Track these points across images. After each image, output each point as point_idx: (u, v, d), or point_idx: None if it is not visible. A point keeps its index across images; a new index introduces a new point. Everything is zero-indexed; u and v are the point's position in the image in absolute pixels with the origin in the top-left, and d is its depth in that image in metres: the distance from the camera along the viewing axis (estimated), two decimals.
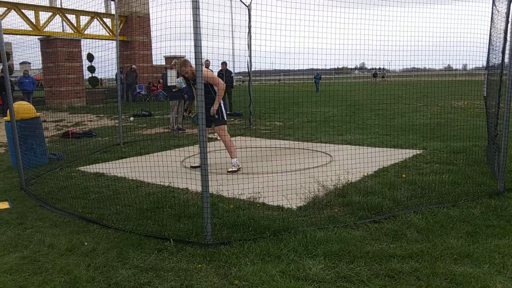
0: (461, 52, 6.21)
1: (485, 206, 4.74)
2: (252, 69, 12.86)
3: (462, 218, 4.42)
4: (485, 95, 7.24)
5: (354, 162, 6.24)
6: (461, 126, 10.58)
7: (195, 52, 3.97)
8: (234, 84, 19.07)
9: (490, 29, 6.55)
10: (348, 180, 5.88)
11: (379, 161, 6.48)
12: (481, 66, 7.82)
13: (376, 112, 14.95)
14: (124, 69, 11.37)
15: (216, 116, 6.79)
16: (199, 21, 3.88)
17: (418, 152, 7.78)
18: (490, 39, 6.59)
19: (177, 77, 12.30)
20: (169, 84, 12.20)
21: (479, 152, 7.35)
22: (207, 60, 11.90)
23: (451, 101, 17.97)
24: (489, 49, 6.72)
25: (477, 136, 8.43)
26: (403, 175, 6.07)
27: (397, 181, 5.78)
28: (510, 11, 5.29)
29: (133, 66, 22.79)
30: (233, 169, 6.76)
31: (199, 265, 3.64)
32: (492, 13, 6.40)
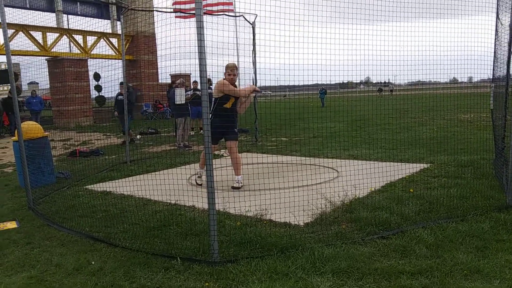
0: (467, 65, 6.22)
1: (494, 220, 4.69)
2: (257, 86, 12.92)
3: (471, 233, 4.37)
4: (491, 107, 7.22)
5: (361, 177, 6.21)
6: (468, 139, 10.52)
7: (200, 71, 4.01)
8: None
9: (495, 41, 6.57)
10: (355, 196, 5.84)
11: (386, 176, 6.45)
12: (486, 78, 7.81)
13: (382, 126, 14.93)
14: (121, 88, 11.69)
15: (235, 130, 6.89)
16: (204, 40, 3.93)
17: (425, 166, 7.74)
18: (495, 52, 6.60)
19: (186, 91, 12.50)
20: (177, 103, 12.29)
21: (487, 165, 7.30)
22: (209, 78, 12.02)
23: (458, 114, 17.91)
24: (494, 61, 6.73)
25: (485, 149, 8.38)
26: (411, 190, 6.04)
27: (405, 195, 5.74)
28: None
29: (129, 85, 22.94)
30: (237, 185, 6.77)
31: (206, 284, 3.62)
32: (496, 26, 6.42)
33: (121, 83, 12.31)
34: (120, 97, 12.57)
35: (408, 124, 15.45)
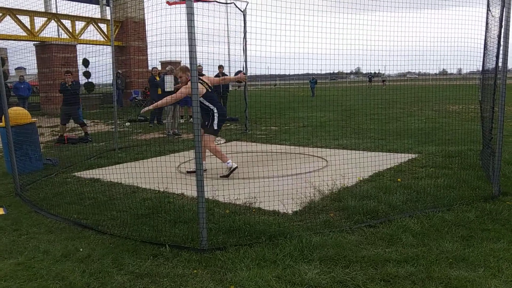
0: (456, 56, 6.25)
1: (480, 210, 4.76)
2: (248, 74, 12.87)
3: (457, 222, 4.43)
4: (480, 99, 7.28)
5: (349, 167, 6.25)
6: (456, 130, 10.62)
7: (190, 58, 3.98)
8: (230, 88, 19.09)
9: (485, 33, 6.60)
10: (344, 185, 5.88)
11: (375, 166, 6.50)
12: (475, 70, 7.87)
13: (371, 116, 14.99)
14: (68, 77, 11.10)
15: (206, 123, 6.74)
16: (194, 27, 3.89)
17: (413, 156, 7.81)
18: (485, 44, 6.63)
19: (175, 84, 12.35)
20: (166, 90, 12.21)
21: (474, 156, 7.38)
22: (199, 65, 11.91)
23: (446, 105, 18.05)
24: (484, 53, 6.77)
25: (472, 140, 8.47)
26: (399, 179, 6.09)
27: (393, 185, 5.79)
28: (504, 16, 5.33)
29: (118, 71, 22.71)
30: (227, 173, 6.78)
31: (195, 271, 3.63)
32: (487, 18, 6.45)
33: (67, 72, 11.54)
34: (64, 86, 11.45)
35: (396, 115, 15.54)
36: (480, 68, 7.18)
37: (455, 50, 6.11)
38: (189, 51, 3.97)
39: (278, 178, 6.37)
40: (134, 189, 6.17)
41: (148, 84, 16.10)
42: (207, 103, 6.75)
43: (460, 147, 8.27)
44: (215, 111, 6.79)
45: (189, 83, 6.58)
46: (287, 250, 3.89)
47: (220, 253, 3.90)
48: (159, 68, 23.12)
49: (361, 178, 6.23)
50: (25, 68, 21.92)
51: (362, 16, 5.56)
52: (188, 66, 6.68)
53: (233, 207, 5.13)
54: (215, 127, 6.80)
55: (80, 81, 21.75)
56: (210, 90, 6.86)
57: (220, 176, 6.76)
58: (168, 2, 10.76)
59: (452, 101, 16.68)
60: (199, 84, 6.84)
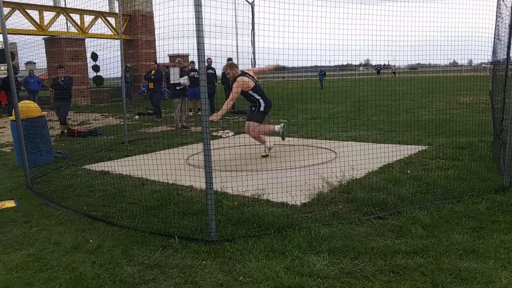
0: (467, 47, 6.17)
1: (490, 201, 4.72)
2: (256, 66, 12.83)
3: (468, 214, 4.40)
4: (491, 90, 7.20)
5: (359, 159, 6.22)
6: (467, 121, 10.51)
7: (198, 50, 3.97)
8: None
9: (496, 23, 6.50)
10: (353, 177, 5.86)
11: (384, 157, 6.46)
12: (486, 61, 7.77)
13: (381, 108, 14.89)
14: (59, 72, 10.98)
15: (253, 109, 7.55)
16: (202, 18, 3.88)
17: (424, 148, 7.75)
18: (498, 34, 6.53)
19: (181, 76, 12.33)
20: (171, 82, 12.22)
21: (485, 148, 7.31)
22: (209, 58, 11.90)
23: (457, 96, 17.87)
24: (495, 44, 6.67)
25: (483, 132, 8.38)
26: (408, 171, 6.05)
27: (402, 177, 5.76)
28: None
29: (127, 64, 22.76)
30: (266, 153, 7.67)
31: (204, 262, 3.65)
32: (499, 7, 6.34)
33: (59, 67, 11.44)
34: (57, 81, 11.35)
35: (407, 107, 15.42)
36: (491, 59, 7.09)
37: (466, 41, 6.03)
38: (197, 43, 3.97)
39: (287, 170, 6.35)
40: (143, 182, 6.20)
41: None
42: (255, 95, 7.46)
43: (470, 139, 8.19)
44: (261, 101, 7.47)
45: (238, 79, 7.32)
46: (296, 241, 3.89)
47: (228, 244, 3.91)
48: (167, 61, 23.15)
49: (371, 170, 6.19)
50: (34, 63, 22.07)
51: (371, 7, 5.50)
52: (233, 62, 7.21)
53: (241, 199, 5.14)
54: (259, 115, 7.51)
55: (89, 75, 21.86)
56: (257, 83, 7.52)
57: (262, 156, 7.61)
58: None
59: (462, 93, 16.51)
60: (247, 78, 7.40)
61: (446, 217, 4.34)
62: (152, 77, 14.51)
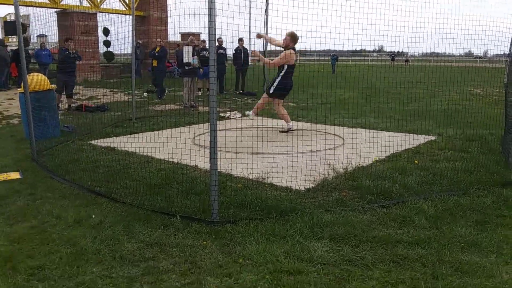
0: (483, 37, 6.04)
1: (496, 195, 4.66)
2: (268, 49, 12.70)
3: (472, 207, 4.35)
4: (505, 82, 7.05)
5: (366, 146, 6.16)
6: (478, 113, 10.37)
7: (209, 28, 3.92)
8: (250, 62, 18.93)
9: None
10: (359, 164, 5.81)
11: (392, 146, 6.38)
12: (502, 53, 7.60)
13: (392, 96, 14.73)
14: (68, 45, 10.60)
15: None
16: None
17: (432, 138, 7.66)
18: None
19: (193, 55, 12.23)
20: (184, 61, 12.14)
21: (495, 141, 7.21)
22: (219, 38, 11.79)
23: (470, 87, 17.61)
24: None
25: (494, 125, 8.25)
26: (416, 161, 5.99)
27: (409, 166, 5.70)
28: None
29: (138, 41, 22.58)
30: (288, 129, 8.21)
31: (204, 242, 3.65)
32: None
33: (68, 39, 11.13)
34: (67, 53, 10.99)
35: (418, 95, 15.23)
36: (508, 51, 6.93)
37: (482, 31, 5.90)
38: (208, 21, 3.91)
39: (293, 155, 6.32)
40: (148, 159, 6.20)
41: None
42: (282, 71, 7.94)
43: (481, 131, 8.07)
44: (280, 77, 7.99)
45: (289, 50, 7.82)
46: (298, 226, 3.87)
47: (230, 226, 3.91)
48: (179, 39, 22.97)
49: (378, 158, 6.14)
50: (46, 36, 22.01)
51: None
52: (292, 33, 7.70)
53: (245, 182, 5.12)
54: (276, 91, 8.05)
55: (100, 50, 21.77)
56: (293, 65, 7.96)
57: (280, 131, 8.17)
58: None
59: (476, 83, 16.26)
60: (294, 55, 7.85)
61: (451, 209, 4.29)
62: (156, 54, 14.37)
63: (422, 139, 7.54)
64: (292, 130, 8.24)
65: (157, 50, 14.49)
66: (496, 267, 3.21)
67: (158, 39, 15.24)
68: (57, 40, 21.27)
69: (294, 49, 7.90)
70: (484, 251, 3.46)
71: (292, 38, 7.85)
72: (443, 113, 10.87)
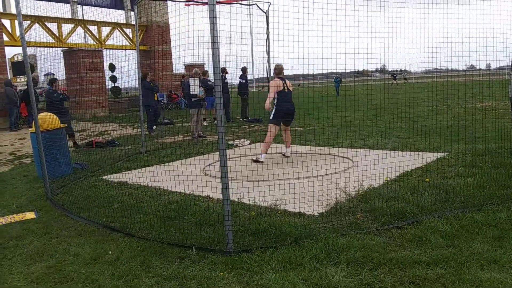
0: (485, 51, 6.09)
1: (511, 209, 4.63)
2: (271, 75, 12.85)
3: (488, 223, 4.32)
4: (510, 95, 7.08)
5: (376, 167, 6.17)
6: (486, 127, 10.35)
7: (213, 61, 4.01)
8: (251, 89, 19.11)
9: None
10: (370, 185, 5.81)
11: (402, 166, 6.39)
12: (505, 65, 7.65)
13: (398, 115, 14.78)
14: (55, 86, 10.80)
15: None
16: (217, 30, 3.92)
17: (442, 155, 7.65)
18: None
19: (199, 86, 12.41)
20: (192, 93, 12.30)
21: (505, 154, 7.19)
22: (223, 68, 11.97)
23: (475, 102, 17.62)
24: None
25: (503, 138, 8.25)
26: (427, 179, 5.98)
27: (421, 185, 5.69)
28: None
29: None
30: (258, 159, 8.02)
31: (221, 273, 3.65)
32: None
33: (55, 80, 11.39)
34: (55, 94, 11.17)
35: (424, 113, 15.26)
36: (510, 63, 6.98)
37: (484, 45, 5.95)
38: (212, 54, 4.01)
39: (304, 180, 6.33)
40: (160, 192, 6.24)
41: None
42: (276, 99, 8.16)
43: (490, 145, 8.06)
44: (275, 105, 8.15)
45: (271, 81, 8.24)
46: (314, 252, 3.87)
47: (246, 255, 3.91)
48: (183, 71, 23.31)
49: (388, 179, 6.13)
50: (54, 74, 22.47)
51: (387, 13, 5.48)
52: (281, 68, 8.21)
53: (258, 209, 5.13)
54: (273, 119, 8.15)
55: (107, 86, 22.11)
56: (286, 91, 8.18)
57: (252, 159, 8.03)
58: (186, 4, 10.80)
59: (481, 98, 16.28)
60: (279, 82, 8.10)
61: (466, 226, 4.27)
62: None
63: (431, 156, 7.53)
64: (261, 162, 8.00)
65: (151, 84, 14.37)
66: None
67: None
68: (64, 78, 21.68)
69: (280, 78, 8.28)
70: (504, 267, 3.43)
71: (274, 70, 8.43)
72: (451, 129, 10.88)
